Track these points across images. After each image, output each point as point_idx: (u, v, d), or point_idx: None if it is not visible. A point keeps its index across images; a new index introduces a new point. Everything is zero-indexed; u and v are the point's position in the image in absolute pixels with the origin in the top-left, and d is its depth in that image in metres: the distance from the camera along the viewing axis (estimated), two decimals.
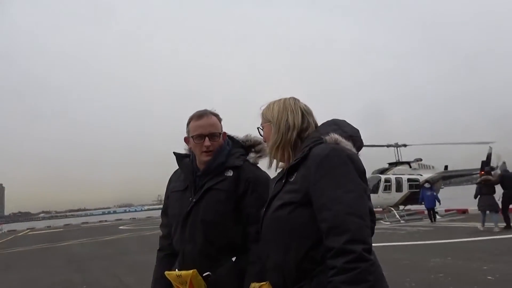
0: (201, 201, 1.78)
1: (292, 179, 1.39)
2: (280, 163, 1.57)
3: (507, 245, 8.20)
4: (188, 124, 1.87)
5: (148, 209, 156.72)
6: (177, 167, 2.06)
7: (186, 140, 1.92)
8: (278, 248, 1.36)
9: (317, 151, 1.34)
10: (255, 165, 1.86)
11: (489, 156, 22.77)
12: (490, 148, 22.82)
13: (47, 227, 48.53)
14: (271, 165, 1.60)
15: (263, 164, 1.90)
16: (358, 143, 1.45)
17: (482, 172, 22.50)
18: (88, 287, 7.17)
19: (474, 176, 22.96)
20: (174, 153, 1.98)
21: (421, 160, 20.76)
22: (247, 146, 1.91)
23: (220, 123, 1.88)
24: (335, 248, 1.20)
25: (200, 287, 1.70)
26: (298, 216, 1.32)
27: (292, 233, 1.32)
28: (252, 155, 1.88)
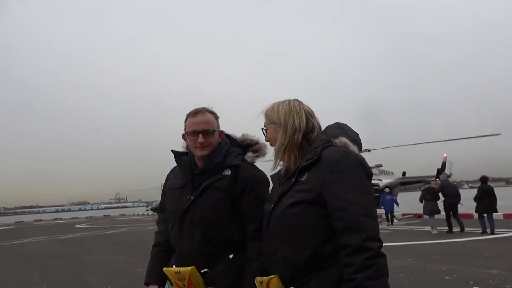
0: (199, 199, 1.82)
1: (303, 179, 1.47)
2: (281, 162, 1.65)
3: (461, 248, 8.75)
4: (185, 121, 1.91)
5: (106, 208, 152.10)
6: (171, 166, 2.10)
7: (183, 136, 1.95)
8: (288, 243, 1.43)
9: (329, 154, 1.43)
10: (252, 164, 1.90)
11: (443, 164, 24.12)
12: (445, 156, 24.18)
13: None
14: (276, 166, 1.67)
15: (260, 163, 1.97)
16: (360, 147, 1.55)
17: (437, 179, 23.81)
18: (49, 286, 6.90)
19: (432, 182, 24.14)
20: (172, 151, 2.00)
21: (381, 166, 21.56)
22: (244, 146, 1.96)
23: (217, 121, 1.91)
24: (353, 246, 1.29)
25: (198, 284, 1.74)
26: (310, 214, 1.41)
27: (304, 229, 1.41)
28: (250, 154, 1.92)
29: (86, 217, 51.82)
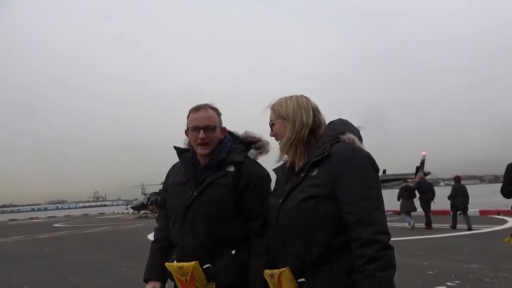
0: (203, 195, 1.82)
1: (313, 174, 1.51)
2: (285, 156, 1.70)
3: (441, 243, 9.02)
4: (187, 117, 1.92)
5: (84, 207, 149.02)
6: (171, 163, 2.10)
7: (186, 132, 1.95)
8: (301, 237, 1.47)
9: (340, 150, 1.49)
10: (255, 161, 1.92)
11: (422, 162, 24.67)
12: (424, 155, 24.75)
13: None
14: (281, 160, 1.70)
15: (262, 160, 1.99)
16: (361, 142, 1.61)
17: (416, 177, 24.38)
18: (30, 286, 6.74)
19: (409, 180, 24.73)
20: (174, 147, 2.00)
21: None
22: (247, 143, 1.97)
23: (219, 117, 1.92)
24: (364, 239, 1.37)
25: (201, 279, 1.75)
26: (324, 208, 1.46)
27: (317, 223, 1.45)
28: (252, 151, 1.93)
29: (64, 216, 50.69)
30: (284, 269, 1.48)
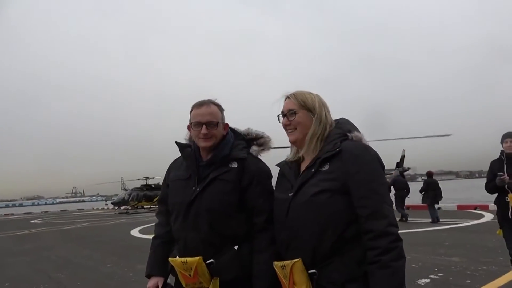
0: (206, 191, 1.83)
1: (324, 169, 1.56)
2: (291, 154, 1.75)
3: (422, 237, 9.24)
4: (190, 112, 1.92)
5: (61, 202, 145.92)
6: (172, 159, 2.09)
7: (188, 127, 1.96)
8: (314, 229, 1.52)
9: (350, 148, 1.56)
10: (257, 157, 1.94)
11: (402, 158, 25.20)
12: (403, 151, 25.28)
13: None
14: (302, 151, 1.69)
15: (264, 157, 2.00)
16: None
17: None
18: (12, 284, 6.58)
19: (388, 175, 25.21)
20: (176, 142, 1.99)
21: None
22: (248, 139, 1.98)
23: (222, 113, 1.93)
24: (377, 231, 1.44)
25: (204, 274, 1.76)
26: (336, 201, 1.51)
27: (330, 216, 1.50)
28: (255, 148, 1.94)
29: (42, 212, 49.55)
30: (296, 260, 1.52)
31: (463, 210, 16.08)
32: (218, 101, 1.95)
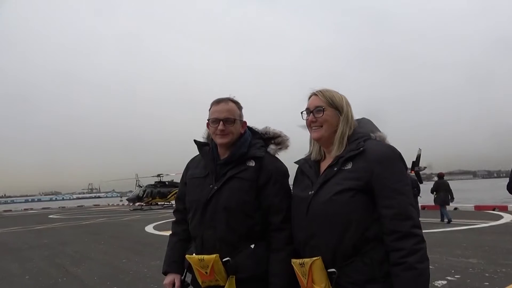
0: (223, 189, 1.84)
1: (347, 167, 1.55)
2: (314, 152, 1.73)
3: (439, 238, 9.11)
4: (209, 109, 1.93)
5: (78, 198, 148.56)
6: (190, 156, 2.10)
7: (207, 124, 1.96)
8: (335, 228, 1.51)
9: (374, 147, 1.54)
10: (275, 156, 1.93)
11: (418, 157, 24.78)
12: (420, 149, 24.85)
13: None
14: (329, 150, 1.68)
15: (281, 156, 1.99)
16: None
17: (412, 172, 24.50)
18: (31, 277, 6.74)
19: None
20: (194, 140, 2.01)
21: None
22: (265, 138, 1.98)
23: (240, 111, 1.93)
24: (402, 232, 1.42)
25: (221, 272, 1.77)
26: (359, 201, 1.50)
27: (352, 215, 1.49)
28: (272, 147, 1.94)
29: (59, 207, 50.53)
30: (316, 258, 1.51)
31: (481, 211, 15.80)
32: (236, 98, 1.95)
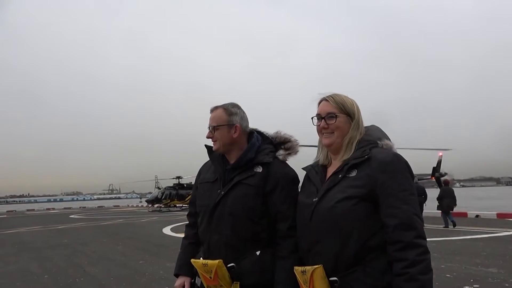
0: (230, 194, 1.84)
1: (351, 175, 1.54)
2: (322, 157, 1.71)
3: (458, 246, 8.88)
4: None
5: (99, 199, 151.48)
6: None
7: None
8: (338, 236, 1.49)
9: (380, 155, 1.52)
10: (284, 162, 1.91)
11: (439, 163, 24.34)
12: (440, 156, 24.40)
13: None
14: (336, 155, 1.67)
15: (291, 161, 1.98)
16: None
17: (433, 177, 24.05)
18: (50, 276, 6.91)
19: (424, 180, 24.42)
20: (205, 145, 2.02)
21: None
22: (276, 143, 1.96)
23: (230, 116, 1.90)
24: (405, 242, 1.39)
25: (224, 277, 1.77)
26: (362, 209, 1.48)
27: (355, 223, 1.47)
28: (281, 152, 1.92)
29: (80, 207, 51.65)
30: (317, 266, 1.50)
31: (504, 219, 15.31)
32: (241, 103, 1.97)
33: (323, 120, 1.64)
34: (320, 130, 1.67)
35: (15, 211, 47.50)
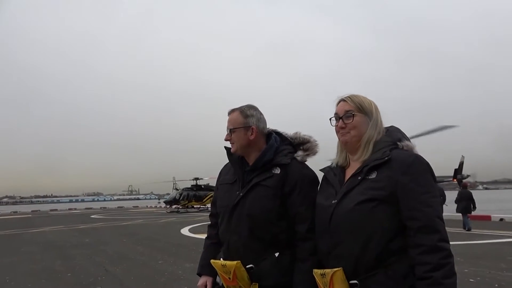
0: (248, 196, 1.84)
1: (371, 177, 1.51)
2: (341, 158, 1.69)
3: (482, 250, 8.65)
4: None
5: (118, 199, 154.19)
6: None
7: None
8: (358, 238, 1.47)
9: (401, 157, 1.49)
10: (303, 163, 1.89)
11: (461, 165, 23.80)
12: (463, 157, 23.89)
13: (13, 212, 46.87)
14: (353, 156, 1.65)
15: (310, 162, 1.97)
16: None
17: (455, 180, 23.53)
18: (73, 274, 7.06)
19: (445, 182, 23.93)
20: (225, 147, 2.03)
21: None
22: (296, 144, 1.95)
23: (246, 119, 1.90)
24: (428, 245, 1.37)
25: (243, 278, 1.77)
26: (382, 211, 1.46)
27: (375, 226, 1.45)
28: (300, 153, 1.91)
29: (100, 208, 52.65)
30: (337, 269, 1.48)
31: None
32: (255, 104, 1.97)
33: (340, 119, 1.63)
34: (338, 130, 1.66)
35: (39, 210, 48.80)
